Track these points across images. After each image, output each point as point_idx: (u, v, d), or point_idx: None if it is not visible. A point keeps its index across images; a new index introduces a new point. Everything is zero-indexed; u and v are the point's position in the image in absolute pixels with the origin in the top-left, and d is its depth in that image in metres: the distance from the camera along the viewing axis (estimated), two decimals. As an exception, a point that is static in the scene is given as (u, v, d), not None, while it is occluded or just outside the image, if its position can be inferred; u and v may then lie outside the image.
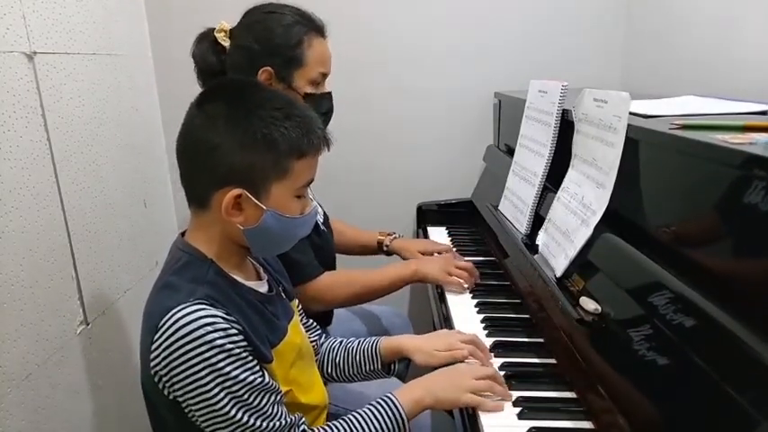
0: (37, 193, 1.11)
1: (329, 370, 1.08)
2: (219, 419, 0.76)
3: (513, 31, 1.82)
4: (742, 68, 1.28)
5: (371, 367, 1.05)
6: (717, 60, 1.36)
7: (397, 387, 1.22)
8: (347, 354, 1.07)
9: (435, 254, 1.48)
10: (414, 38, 1.82)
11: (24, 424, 1.03)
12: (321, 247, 1.30)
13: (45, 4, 1.18)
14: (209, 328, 0.74)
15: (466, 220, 1.80)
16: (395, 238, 1.59)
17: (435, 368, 1.01)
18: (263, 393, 0.79)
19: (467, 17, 1.81)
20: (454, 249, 1.58)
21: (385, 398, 0.89)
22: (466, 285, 1.32)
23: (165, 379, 0.77)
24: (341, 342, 1.09)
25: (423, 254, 1.48)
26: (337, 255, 1.54)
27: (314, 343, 1.06)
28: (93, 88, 1.36)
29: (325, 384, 1.11)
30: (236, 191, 0.79)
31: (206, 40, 1.25)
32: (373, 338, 1.07)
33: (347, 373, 1.07)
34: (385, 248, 1.57)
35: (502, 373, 0.99)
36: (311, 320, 1.10)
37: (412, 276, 1.32)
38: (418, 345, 1.04)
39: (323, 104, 1.25)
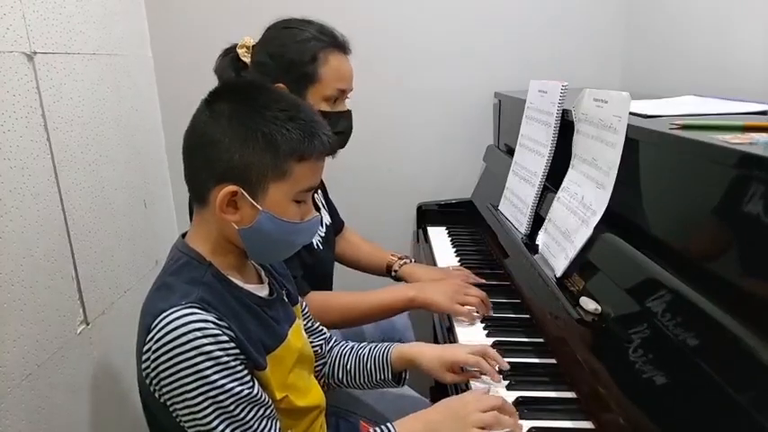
0: (37, 193, 1.11)
1: (340, 376, 1.06)
2: (201, 428, 0.75)
3: (513, 31, 1.82)
4: (742, 68, 1.28)
5: (382, 376, 1.03)
6: (717, 60, 1.36)
7: (400, 391, 1.21)
8: (358, 361, 1.05)
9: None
10: (414, 38, 1.82)
11: (24, 424, 1.03)
12: (312, 266, 1.20)
13: (45, 4, 1.18)
14: (199, 334, 0.73)
15: (466, 220, 1.80)
16: (406, 263, 1.46)
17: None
18: (249, 406, 0.77)
19: (467, 17, 1.81)
20: (460, 264, 1.52)
21: (384, 428, 0.87)
22: (477, 314, 1.20)
23: (154, 381, 0.76)
24: (352, 347, 1.07)
25: None
26: (348, 268, 1.52)
27: (317, 348, 1.05)
28: (93, 88, 1.36)
29: (334, 390, 1.10)
30: (232, 187, 0.78)
31: (228, 55, 1.24)
32: (385, 345, 1.05)
33: (358, 381, 1.05)
34: (393, 273, 1.46)
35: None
36: (318, 324, 1.08)
37: (408, 304, 1.21)
38: (430, 358, 1.00)
39: (339, 123, 1.20)
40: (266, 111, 0.80)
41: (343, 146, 1.24)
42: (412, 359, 1.02)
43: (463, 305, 1.19)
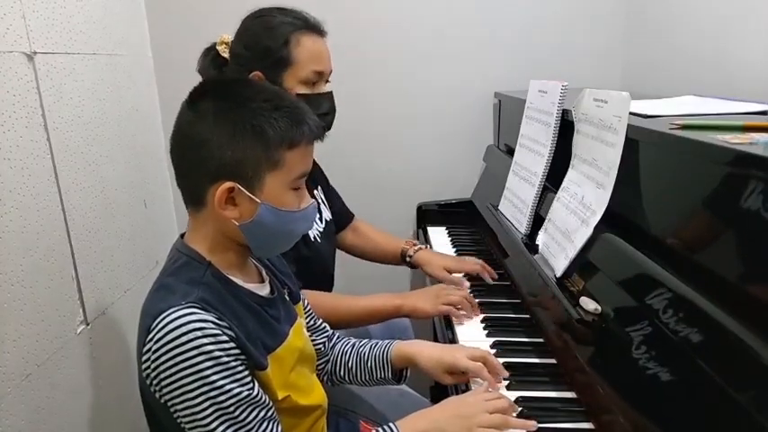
0: (37, 193, 1.11)
1: (342, 373, 1.06)
2: (201, 429, 0.75)
3: (513, 31, 1.82)
4: (742, 68, 1.28)
5: (382, 374, 1.03)
6: (717, 60, 1.36)
7: (400, 390, 1.21)
8: (359, 359, 1.05)
9: (461, 275, 1.38)
10: (414, 38, 1.82)
11: (24, 424, 1.03)
12: (308, 259, 1.21)
13: (45, 4, 1.18)
14: (199, 333, 0.73)
15: (466, 220, 1.80)
16: (420, 248, 1.48)
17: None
18: (250, 407, 0.77)
19: (467, 17, 1.81)
20: (455, 251, 1.57)
21: (387, 428, 0.86)
22: (463, 312, 1.21)
23: (154, 381, 0.76)
24: (353, 345, 1.07)
25: (448, 272, 1.37)
26: (361, 260, 1.53)
27: (320, 345, 1.05)
28: (93, 88, 1.36)
29: (335, 387, 1.10)
30: (228, 184, 0.78)
31: (209, 54, 1.24)
32: (385, 343, 1.05)
33: (359, 379, 1.06)
34: (408, 259, 1.47)
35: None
36: (321, 321, 1.08)
37: (395, 311, 1.22)
38: (428, 357, 1.00)
39: (320, 105, 1.20)
40: (251, 103, 0.79)
41: (329, 128, 1.23)
42: (410, 358, 1.02)
43: (448, 305, 1.21)
